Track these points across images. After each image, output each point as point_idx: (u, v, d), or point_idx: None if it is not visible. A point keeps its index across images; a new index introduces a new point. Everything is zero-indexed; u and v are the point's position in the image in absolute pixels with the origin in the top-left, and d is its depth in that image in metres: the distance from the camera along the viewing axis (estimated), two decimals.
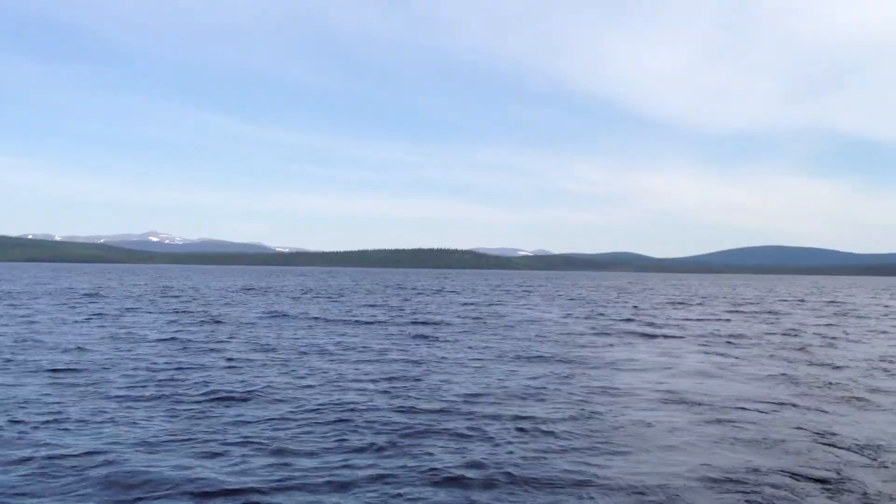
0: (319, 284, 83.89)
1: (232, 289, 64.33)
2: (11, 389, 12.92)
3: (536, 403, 12.66)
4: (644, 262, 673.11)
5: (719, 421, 11.59)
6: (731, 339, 24.92)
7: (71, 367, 15.44)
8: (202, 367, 16.09)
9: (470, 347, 21.00)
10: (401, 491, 7.86)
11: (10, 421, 10.53)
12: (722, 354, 20.47)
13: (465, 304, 46.11)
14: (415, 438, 10.02)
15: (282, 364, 16.79)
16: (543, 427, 10.82)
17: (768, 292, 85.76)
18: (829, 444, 10.21)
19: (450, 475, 8.37)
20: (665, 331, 28.02)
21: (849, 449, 9.98)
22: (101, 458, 8.76)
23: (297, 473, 8.37)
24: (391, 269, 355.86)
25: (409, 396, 13.04)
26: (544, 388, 14.27)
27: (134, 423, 10.66)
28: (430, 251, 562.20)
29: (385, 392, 13.41)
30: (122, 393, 12.81)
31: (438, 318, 32.85)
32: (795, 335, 27.16)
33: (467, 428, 10.67)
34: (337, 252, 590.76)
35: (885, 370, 17.74)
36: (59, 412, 11.16)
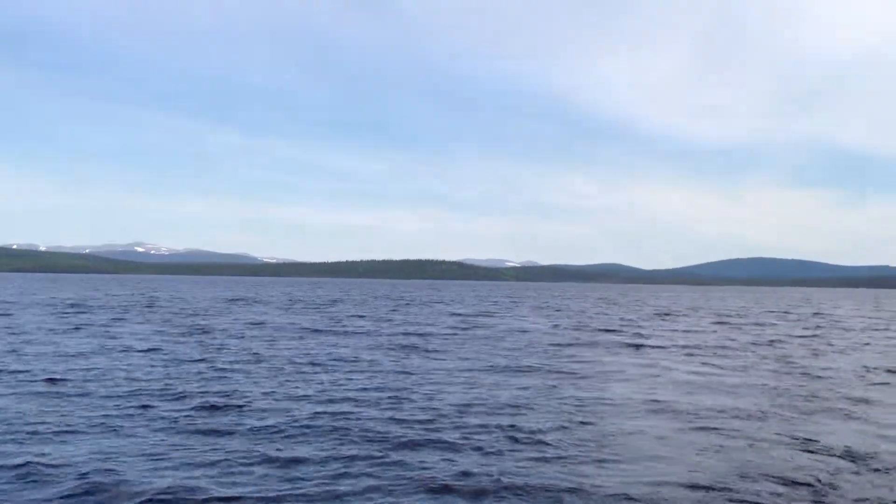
0: (308, 295, 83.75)
1: (220, 299, 64.14)
2: (7, 402, 12.92)
3: (526, 413, 12.80)
4: (632, 273, 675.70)
5: (706, 429, 11.78)
6: (717, 350, 25.18)
7: (60, 378, 15.42)
8: (193, 377, 16.12)
9: (460, 358, 21.12)
10: (395, 500, 7.98)
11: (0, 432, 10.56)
12: (708, 365, 20.70)
13: (454, 314, 46.22)
14: (408, 448, 10.13)
15: (273, 375, 16.84)
16: (533, 436, 10.97)
17: (754, 304, 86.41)
18: (814, 451, 10.45)
19: (443, 484, 8.49)
20: (652, 342, 28.26)
21: (833, 456, 10.22)
22: (90, 468, 8.81)
23: (291, 483, 8.47)
24: (379, 280, 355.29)
25: (401, 407, 13.15)
26: (534, 398, 14.42)
27: (125, 433, 10.70)
28: (419, 262, 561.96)
29: (377, 402, 13.51)
30: (112, 403, 12.83)
31: (428, 329, 32.94)
32: (780, 346, 27.46)
33: (459, 438, 10.79)
34: (325, 263, 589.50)
35: (868, 380, 18.02)
36: (48, 422, 11.18)
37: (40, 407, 12.34)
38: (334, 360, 19.97)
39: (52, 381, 15.06)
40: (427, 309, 54.36)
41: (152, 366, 17.86)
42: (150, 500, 7.76)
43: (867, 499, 8.32)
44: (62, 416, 11.69)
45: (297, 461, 9.33)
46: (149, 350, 21.27)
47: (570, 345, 26.21)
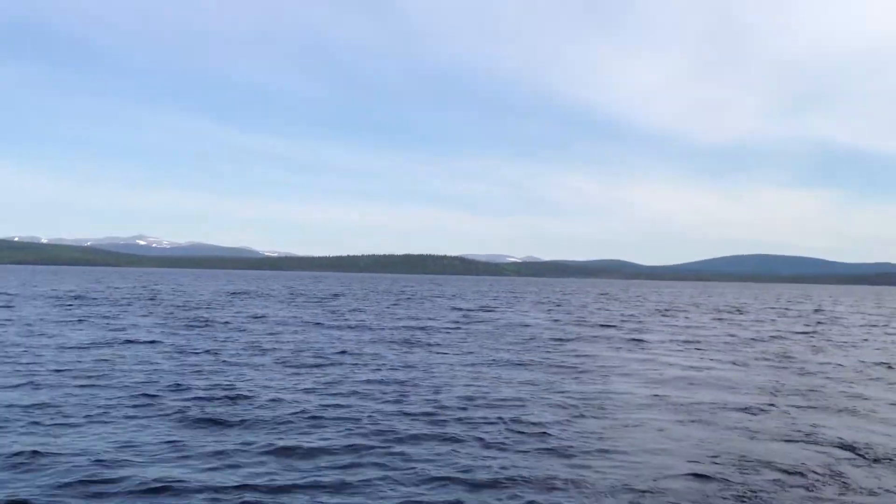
0: (309, 289, 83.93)
1: (222, 293, 64.31)
2: (4, 393, 13.08)
3: (528, 407, 12.95)
4: (632, 269, 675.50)
5: (706, 423, 11.94)
6: (718, 346, 25.32)
7: (65, 369, 15.58)
8: (197, 369, 16.27)
9: (462, 352, 21.27)
10: (402, 491, 8.13)
11: (3, 425, 10.72)
12: (708, 360, 20.84)
13: (456, 309, 46.38)
14: (413, 440, 10.29)
15: (277, 367, 17.00)
16: (535, 429, 11.12)
17: (754, 300, 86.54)
18: (813, 443, 10.67)
19: (448, 475, 8.64)
20: (653, 337, 28.41)
21: (832, 447, 10.44)
22: (96, 458, 8.97)
23: (299, 473, 8.62)
24: (380, 275, 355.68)
25: (406, 400, 13.31)
26: (535, 392, 14.57)
27: (130, 423, 10.86)
28: (420, 257, 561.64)
29: (382, 395, 13.67)
30: (117, 394, 12.99)
31: (430, 323, 33.10)
32: (780, 342, 27.61)
33: (462, 430, 10.95)
34: (326, 257, 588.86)
35: (867, 376, 18.16)
36: (53, 412, 11.34)
37: (45, 397, 12.49)
38: (338, 353, 20.13)
39: (57, 371, 15.22)
40: (428, 303, 54.52)
41: (157, 358, 18.02)
42: (156, 489, 7.90)
43: (866, 488, 8.50)
44: (67, 406, 11.84)
45: (304, 452, 9.49)
46: (152, 342, 21.43)
47: (571, 340, 26.36)
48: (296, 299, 55.23)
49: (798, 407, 13.65)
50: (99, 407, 11.85)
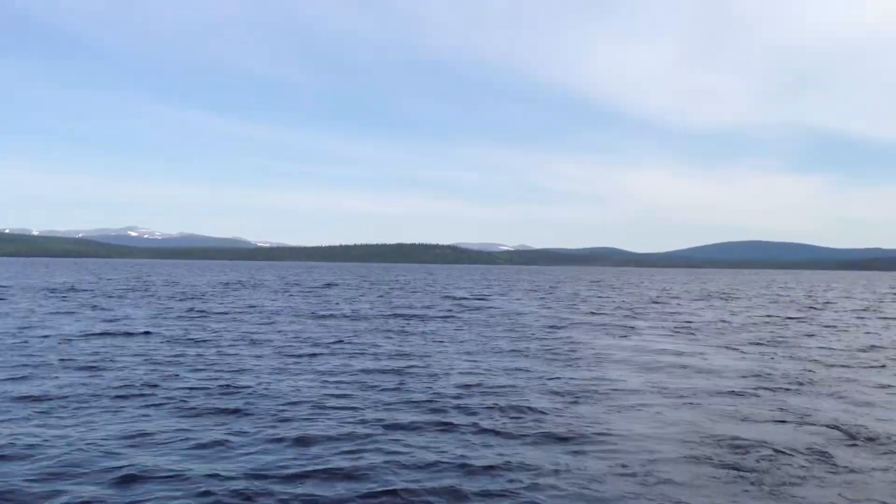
0: (303, 279, 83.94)
1: (215, 283, 64.29)
2: (4, 385, 13.15)
3: (524, 393, 13.10)
4: (624, 256, 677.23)
5: (698, 407, 12.13)
6: (710, 332, 25.56)
7: (64, 361, 15.65)
8: (195, 360, 16.35)
9: (456, 341, 21.42)
10: (400, 476, 8.27)
11: (3, 418, 10.81)
12: (700, 345, 21.06)
13: (449, 298, 46.53)
14: (411, 428, 10.42)
15: (274, 357, 17.10)
16: (530, 416, 11.29)
17: (746, 286, 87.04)
18: (805, 424, 10.96)
19: (446, 461, 8.78)
20: (645, 323, 28.64)
21: (823, 428, 10.73)
22: (99, 449, 9.08)
23: (299, 462, 8.74)
24: (373, 264, 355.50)
25: (402, 388, 13.44)
26: (529, 379, 14.73)
27: (129, 414, 10.96)
28: (412, 246, 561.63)
29: (379, 384, 13.80)
30: (115, 385, 13.06)
31: (424, 312, 33.24)
32: (772, 327, 27.87)
33: (459, 418, 11.10)
34: (318, 247, 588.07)
35: (859, 360, 18.41)
36: (54, 406, 11.44)
37: (42, 388, 12.57)
38: (334, 342, 20.25)
39: (53, 363, 15.28)
40: (422, 293, 54.66)
41: (153, 349, 18.09)
42: (159, 478, 8.00)
43: (854, 468, 8.73)
44: (64, 397, 11.92)
45: (305, 440, 9.60)
46: (148, 333, 21.49)
47: (563, 327, 26.55)
48: (290, 289, 55.26)
49: (789, 391, 13.87)
50: (98, 397, 11.94)
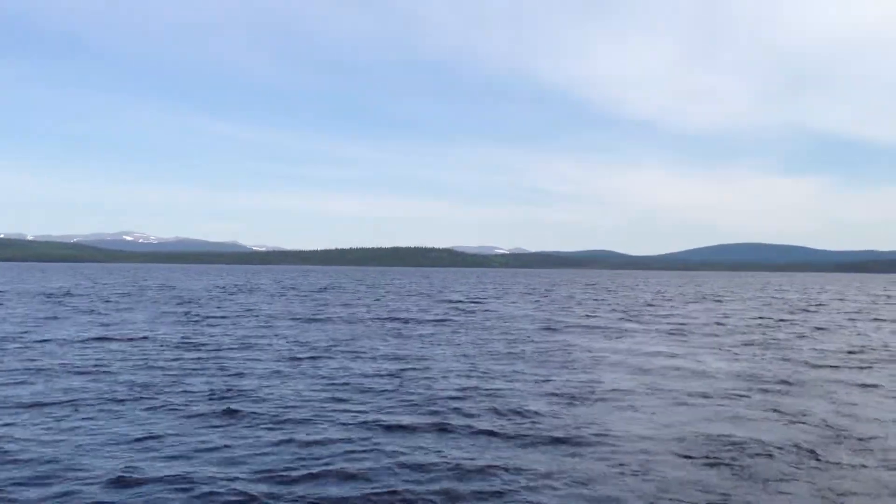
0: (299, 283, 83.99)
1: (211, 288, 64.33)
2: (3, 390, 13.28)
3: (520, 396, 13.28)
4: (620, 259, 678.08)
5: (693, 407, 12.35)
6: (704, 334, 25.77)
7: (63, 366, 15.77)
8: (194, 365, 16.47)
9: (453, 344, 21.59)
10: (402, 478, 8.44)
11: (5, 423, 10.94)
12: (694, 347, 21.26)
13: (445, 301, 46.69)
14: (408, 430, 10.59)
15: (272, 361, 17.23)
16: (528, 418, 11.46)
17: (741, 289, 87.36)
18: (797, 423, 11.28)
19: (442, 463, 8.95)
20: (640, 326, 28.83)
21: (815, 427, 11.04)
22: (101, 454, 9.23)
23: (296, 465, 8.88)
24: (369, 268, 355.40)
25: (399, 391, 13.61)
26: (526, 381, 14.91)
27: (129, 419, 11.10)
28: (408, 249, 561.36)
29: (377, 388, 13.96)
30: (115, 390, 13.19)
31: (420, 315, 33.39)
32: (766, 329, 28.10)
33: (457, 420, 11.26)
34: (314, 251, 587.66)
35: (850, 362, 18.63)
36: (56, 411, 11.56)
37: (42, 393, 12.69)
38: (331, 346, 20.40)
39: (53, 368, 15.39)
40: (418, 296, 54.81)
41: (152, 354, 18.20)
42: (162, 481, 8.15)
43: (845, 464, 9.05)
44: (66, 402, 12.04)
45: (304, 443, 9.75)
46: (146, 338, 21.59)
47: (559, 330, 26.73)
48: (286, 293, 55.36)
49: (780, 392, 14.09)
50: (98, 402, 12.07)
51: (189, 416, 11.20)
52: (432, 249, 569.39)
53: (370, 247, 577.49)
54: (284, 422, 10.93)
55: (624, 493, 7.97)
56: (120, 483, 8.03)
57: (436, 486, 8.14)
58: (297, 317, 31.24)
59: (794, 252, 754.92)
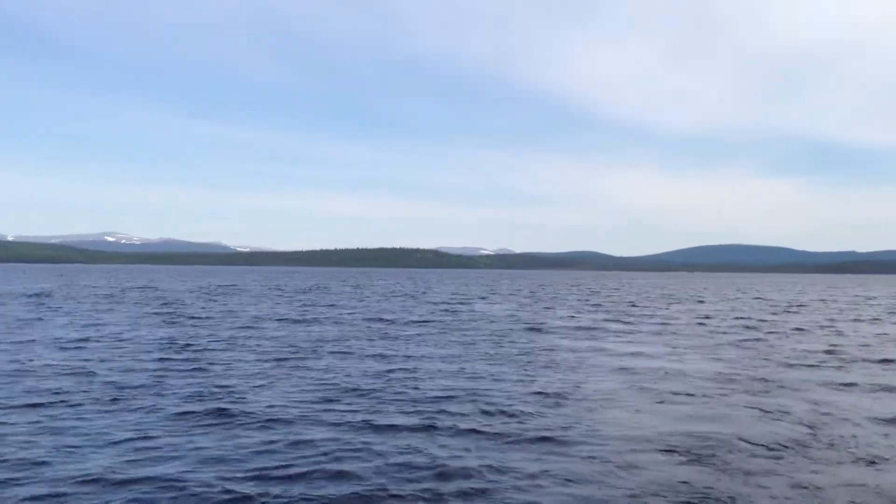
0: (283, 284, 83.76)
1: (196, 289, 64.04)
2: None
3: (505, 396, 13.42)
4: (605, 260, 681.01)
5: (677, 405, 12.59)
6: (687, 334, 26.05)
7: (51, 369, 15.73)
8: (179, 366, 16.47)
9: (438, 345, 21.71)
10: (389, 479, 8.54)
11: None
12: (679, 347, 21.52)
13: (431, 302, 46.80)
14: (393, 431, 10.69)
15: (260, 363, 17.26)
16: (514, 418, 11.60)
17: (725, 289, 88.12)
18: (779, 421, 11.57)
19: (428, 465, 9.02)
20: (623, 326, 29.10)
21: (793, 423, 11.37)
22: (92, 457, 9.26)
23: (281, 466, 8.94)
24: (354, 269, 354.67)
25: (385, 392, 13.69)
26: (511, 381, 15.06)
27: (118, 421, 11.11)
28: (393, 250, 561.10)
29: (364, 389, 14.04)
30: (102, 391, 13.19)
31: (405, 316, 33.48)
32: (749, 330, 28.45)
33: (442, 421, 11.37)
34: (299, 251, 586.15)
35: (826, 360, 18.94)
36: (45, 413, 11.56)
37: (29, 396, 12.68)
38: (317, 347, 20.44)
39: (38, 369, 15.34)
40: (403, 297, 54.87)
41: (138, 355, 18.17)
42: (153, 483, 8.18)
43: (823, 459, 9.31)
44: (53, 403, 12.03)
45: (292, 444, 9.80)
46: (131, 339, 21.54)
47: (542, 331, 26.92)
48: (270, 294, 55.23)
49: (762, 391, 14.34)
50: (85, 404, 12.07)
51: (178, 417, 11.24)
52: (417, 250, 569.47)
53: (355, 248, 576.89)
54: (273, 422, 10.99)
55: (609, 491, 8.13)
56: (109, 484, 8.07)
57: (424, 485, 8.24)
58: (283, 318, 31.22)
59: (777, 253, 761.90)
